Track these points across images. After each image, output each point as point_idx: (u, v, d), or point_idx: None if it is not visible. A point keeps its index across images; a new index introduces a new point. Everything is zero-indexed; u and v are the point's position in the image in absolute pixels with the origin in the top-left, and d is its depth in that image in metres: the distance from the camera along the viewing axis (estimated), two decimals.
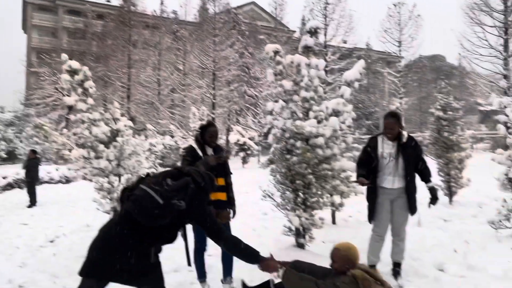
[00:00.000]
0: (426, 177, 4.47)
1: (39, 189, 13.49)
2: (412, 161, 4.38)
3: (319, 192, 5.25)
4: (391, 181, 4.34)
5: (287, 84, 5.16)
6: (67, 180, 18.28)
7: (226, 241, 2.93)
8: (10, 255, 6.31)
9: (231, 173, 4.62)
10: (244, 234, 7.25)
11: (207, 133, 4.38)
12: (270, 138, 5.43)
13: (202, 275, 4.48)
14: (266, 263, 3.00)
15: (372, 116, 37.46)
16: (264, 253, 5.60)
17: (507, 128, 5.91)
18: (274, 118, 5.20)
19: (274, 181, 5.39)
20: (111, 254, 2.63)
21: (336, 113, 5.73)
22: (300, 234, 5.29)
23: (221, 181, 4.33)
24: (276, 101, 5.35)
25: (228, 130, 29.93)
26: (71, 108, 28.93)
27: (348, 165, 5.62)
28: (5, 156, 30.67)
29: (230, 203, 4.46)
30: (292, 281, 2.99)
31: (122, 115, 6.38)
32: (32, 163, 12.68)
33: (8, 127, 35.69)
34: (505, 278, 4.32)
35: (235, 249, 2.98)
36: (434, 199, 4.48)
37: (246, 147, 23.27)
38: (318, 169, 5.08)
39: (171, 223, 2.68)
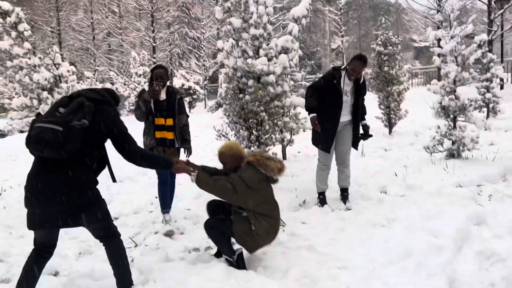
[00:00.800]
0: (362, 115, 4.80)
1: None
2: (361, 98, 4.68)
3: (271, 130, 5.46)
4: (343, 115, 4.62)
5: (236, 21, 5.12)
6: (2, 135, 17.21)
7: (141, 155, 2.92)
8: None
9: (187, 115, 4.73)
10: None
11: (154, 75, 4.55)
12: (221, 78, 5.46)
13: (165, 206, 4.77)
14: (178, 167, 3.14)
15: (315, 56, 37.91)
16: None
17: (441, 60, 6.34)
18: (225, 57, 5.19)
19: (228, 120, 5.50)
20: (43, 203, 2.64)
21: (285, 50, 5.81)
22: None
23: (169, 121, 4.56)
24: (226, 40, 5.34)
25: (171, 74, 29.12)
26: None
27: (297, 101, 5.83)
28: None
29: (183, 143, 4.70)
30: (205, 182, 3.24)
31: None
32: None
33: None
34: (438, 194, 4.88)
35: (147, 159, 2.99)
36: (366, 135, 4.85)
37: (191, 91, 22.88)
38: (270, 106, 5.24)
39: (86, 147, 2.64)
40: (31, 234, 2.89)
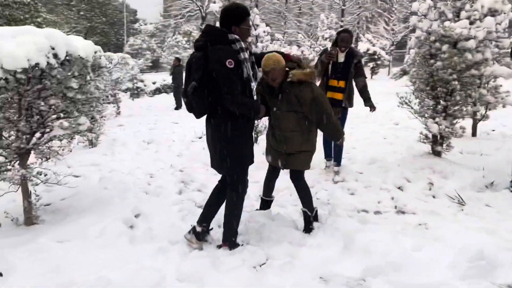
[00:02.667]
0: None
1: None
2: None
3: (462, 101, 4.97)
4: None
5: None
6: None
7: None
8: (169, 146, 7.47)
9: (365, 76, 4.89)
10: (375, 141, 7.43)
11: (339, 38, 4.82)
12: (412, 41, 5.17)
13: (328, 155, 5.34)
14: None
15: None
16: (397, 159, 5.72)
17: None
18: (419, 19, 4.88)
19: (413, 88, 5.23)
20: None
21: (492, 12, 5.09)
22: (437, 142, 5.18)
23: (341, 83, 4.85)
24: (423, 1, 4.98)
25: (357, 39, 28.48)
26: (204, 19, 30.35)
27: (501, 70, 5.12)
28: (150, 64, 34.23)
29: (366, 101, 5.04)
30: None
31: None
32: (177, 70, 14.03)
33: (151, 38, 39.28)
34: None
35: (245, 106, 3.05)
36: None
37: (376, 57, 22.05)
38: (465, 75, 4.76)
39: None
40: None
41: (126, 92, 13.43)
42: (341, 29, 4.98)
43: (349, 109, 5.13)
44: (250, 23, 3.19)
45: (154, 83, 18.86)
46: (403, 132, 8.02)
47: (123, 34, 42.54)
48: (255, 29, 6.18)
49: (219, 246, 3.25)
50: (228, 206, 3.22)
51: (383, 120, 9.41)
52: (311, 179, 5.03)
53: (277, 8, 32.67)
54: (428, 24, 4.54)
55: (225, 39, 2.85)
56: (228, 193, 3.20)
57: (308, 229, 3.58)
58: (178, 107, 13.87)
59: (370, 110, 5.04)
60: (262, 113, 3.17)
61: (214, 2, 5.81)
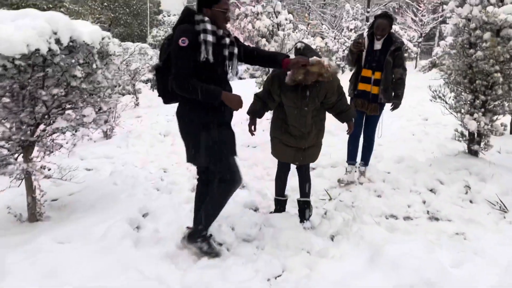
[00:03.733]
0: None
1: None
2: None
3: (505, 95, 4.49)
4: None
5: None
6: (240, 78, 19.63)
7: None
8: None
9: (405, 68, 4.32)
10: (402, 138, 6.96)
11: (375, 25, 4.31)
12: (448, 29, 4.70)
13: (350, 157, 4.64)
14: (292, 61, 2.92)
15: None
16: (428, 158, 5.28)
17: None
18: (457, 4, 4.41)
19: (448, 80, 4.77)
20: None
21: None
22: (474, 140, 4.72)
23: (377, 75, 4.32)
24: None
25: None
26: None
27: None
28: None
29: (394, 97, 4.42)
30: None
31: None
32: None
33: (174, 30, 39.18)
34: None
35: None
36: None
37: (402, 40, 21.17)
38: (509, 66, 4.28)
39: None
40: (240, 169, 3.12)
41: (146, 83, 13.25)
42: (380, 12, 4.43)
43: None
44: (229, 5, 2.80)
45: None
46: (433, 128, 7.52)
47: (147, 25, 42.61)
48: (276, 17, 5.78)
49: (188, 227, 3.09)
50: (210, 194, 2.94)
51: (411, 115, 8.88)
52: (334, 177, 4.66)
53: None
54: (468, 10, 4.08)
55: (191, 18, 2.65)
56: (216, 183, 2.89)
57: (308, 217, 3.57)
58: None
59: (391, 108, 4.47)
60: (239, 105, 2.72)
61: None
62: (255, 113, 3.42)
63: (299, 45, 3.13)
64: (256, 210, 3.93)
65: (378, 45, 4.28)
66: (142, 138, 7.08)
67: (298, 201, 3.58)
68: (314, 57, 3.00)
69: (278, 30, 5.84)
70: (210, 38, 2.63)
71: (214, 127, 2.76)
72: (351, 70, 4.53)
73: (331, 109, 3.38)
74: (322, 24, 26.51)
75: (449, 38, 14.04)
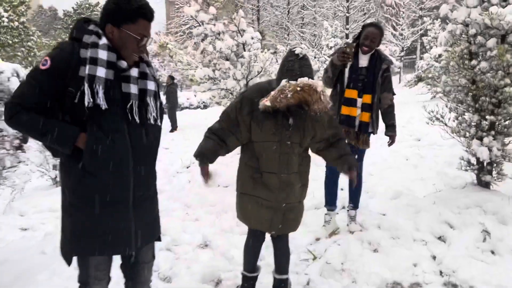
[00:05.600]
0: None
1: (180, 115, 13.95)
2: None
3: None
4: None
5: None
6: (205, 106, 18.81)
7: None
8: None
9: (394, 93, 3.55)
10: (395, 164, 6.10)
11: (363, 34, 3.44)
12: (441, 38, 3.92)
13: (330, 202, 3.80)
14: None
15: None
16: (429, 191, 4.43)
17: None
18: (451, 8, 3.65)
19: (447, 99, 3.97)
20: None
21: None
22: (485, 169, 3.89)
23: (366, 98, 3.43)
24: None
25: None
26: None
27: None
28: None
29: (387, 128, 3.61)
30: None
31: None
32: (170, 89, 12.94)
33: (154, 57, 38.56)
34: None
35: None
36: None
37: (392, 59, 20.76)
38: None
39: None
40: (206, 218, 2.24)
41: None
42: (369, 22, 3.62)
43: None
44: (148, 32, 1.83)
45: None
46: (428, 150, 6.71)
47: None
48: (242, 36, 4.98)
49: None
50: None
51: (401, 135, 8.03)
52: (319, 224, 3.77)
53: (279, 20, 31.69)
54: (465, 13, 3.31)
55: (81, 35, 1.75)
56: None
57: None
58: (173, 129, 12.76)
59: (389, 143, 3.66)
60: (81, 144, 1.74)
61: (189, 5, 4.72)
62: (205, 156, 2.36)
63: (298, 50, 2.24)
64: (218, 283, 3.01)
65: (363, 61, 3.44)
66: None
67: (274, 278, 2.63)
68: (305, 78, 2.15)
69: (244, 50, 5.02)
70: (101, 72, 1.71)
71: (86, 202, 1.78)
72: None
73: (324, 152, 2.47)
74: (302, 43, 26.11)
75: (436, 49, 13.52)
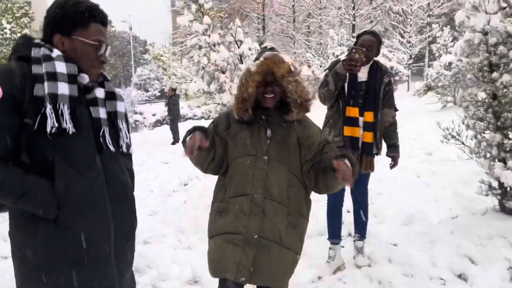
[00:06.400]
0: None
1: (182, 126, 13.63)
2: None
3: None
4: None
5: None
6: (209, 116, 18.50)
7: None
8: (143, 200, 5.92)
9: (396, 109, 3.20)
10: (406, 182, 5.67)
11: (358, 44, 3.08)
12: (457, 47, 3.54)
13: (334, 235, 3.33)
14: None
15: None
16: (445, 217, 4.02)
17: None
18: (468, 14, 3.27)
19: (466, 114, 3.57)
20: None
21: None
22: (508, 194, 3.47)
23: (368, 116, 3.04)
24: None
25: None
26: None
27: None
28: (158, 94, 33.27)
29: (389, 149, 3.28)
30: None
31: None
32: (172, 100, 12.65)
33: (159, 67, 38.67)
34: None
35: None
36: None
37: (393, 72, 20.39)
38: None
39: None
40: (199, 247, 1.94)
41: None
42: (363, 30, 3.28)
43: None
44: (104, 35, 1.51)
45: (154, 114, 17.57)
46: (441, 166, 6.28)
47: (132, 65, 42.17)
48: (239, 47, 4.63)
49: None
50: None
51: (412, 149, 7.65)
52: (323, 255, 3.36)
53: (285, 29, 31.47)
54: (484, 20, 2.94)
55: (28, 52, 1.40)
56: None
57: None
58: (175, 141, 12.45)
59: (391, 165, 3.31)
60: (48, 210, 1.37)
61: (182, 14, 4.43)
62: (200, 129, 1.89)
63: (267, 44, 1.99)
64: None
65: (362, 75, 3.07)
66: None
67: None
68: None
69: (242, 62, 4.67)
70: (64, 89, 1.37)
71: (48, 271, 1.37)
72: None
73: (310, 171, 1.92)
74: (307, 52, 25.83)
75: (446, 57, 13.10)
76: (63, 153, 1.37)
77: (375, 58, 3.14)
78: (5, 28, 15.96)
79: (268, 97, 1.89)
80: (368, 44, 3.01)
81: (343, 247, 3.45)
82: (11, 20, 16.84)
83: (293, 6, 31.28)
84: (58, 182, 1.35)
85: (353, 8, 25.29)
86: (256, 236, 1.83)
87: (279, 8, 32.18)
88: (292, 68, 1.82)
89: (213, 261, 1.93)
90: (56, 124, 1.33)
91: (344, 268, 3.26)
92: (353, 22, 25.56)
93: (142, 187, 6.68)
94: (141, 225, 4.40)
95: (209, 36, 4.63)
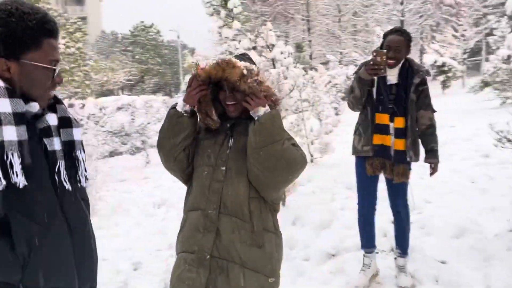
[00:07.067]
0: None
1: None
2: None
3: None
4: None
5: None
6: None
7: None
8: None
9: (434, 110, 2.90)
10: (458, 188, 5.20)
11: (384, 46, 2.85)
12: (510, 40, 3.13)
13: (368, 243, 3.11)
14: None
15: None
16: (502, 228, 3.60)
17: None
18: None
19: None
20: None
21: None
22: None
23: (398, 122, 2.82)
24: None
25: (422, 51, 25.68)
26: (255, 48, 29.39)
27: None
28: None
29: (428, 154, 2.98)
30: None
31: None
32: None
33: None
34: None
35: None
36: None
37: (446, 68, 19.29)
38: None
39: None
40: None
41: None
42: (390, 29, 3.02)
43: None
44: (58, 53, 1.26)
45: None
46: (499, 170, 5.72)
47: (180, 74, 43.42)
48: (271, 51, 4.45)
49: None
50: None
51: (466, 151, 7.08)
52: (352, 275, 3.07)
53: (330, 28, 30.89)
54: None
55: None
56: None
57: None
58: None
59: (430, 172, 3.01)
60: None
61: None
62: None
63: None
64: None
65: (392, 77, 2.84)
66: (130, 214, 5.84)
67: None
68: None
69: (274, 67, 4.49)
70: (11, 134, 1.12)
71: None
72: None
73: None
74: (354, 52, 25.15)
75: (504, 50, 12.15)
76: (20, 207, 1.16)
77: (408, 57, 2.87)
78: (59, 43, 16.92)
79: (229, 104, 1.74)
80: (395, 45, 2.78)
81: (377, 253, 3.21)
82: (65, 35, 17.78)
83: (337, 5, 30.69)
84: (19, 241, 1.15)
85: (401, 4, 24.30)
86: (208, 256, 1.66)
87: (324, 8, 31.71)
88: (245, 72, 1.64)
89: (171, 282, 1.78)
90: (4, 182, 1.09)
91: (380, 281, 2.97)
92: (401, 18, 24.56)
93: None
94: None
95: (239, 41, 4.49)
